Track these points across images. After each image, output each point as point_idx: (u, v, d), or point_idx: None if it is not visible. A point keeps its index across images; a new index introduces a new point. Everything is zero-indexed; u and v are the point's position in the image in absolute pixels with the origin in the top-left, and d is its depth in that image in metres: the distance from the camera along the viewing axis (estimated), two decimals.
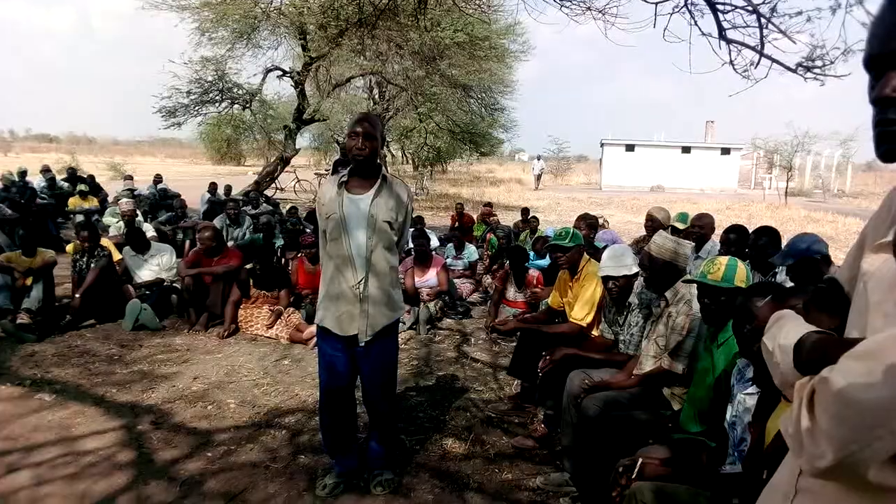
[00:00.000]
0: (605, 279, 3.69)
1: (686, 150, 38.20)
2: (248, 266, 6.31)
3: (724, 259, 2.67)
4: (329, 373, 3.17)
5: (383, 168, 3.17)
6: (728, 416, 2.31)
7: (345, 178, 3.06)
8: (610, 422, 2.94)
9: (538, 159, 34.47)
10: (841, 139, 32.94)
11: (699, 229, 5.32)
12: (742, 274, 2.63)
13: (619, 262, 3.64)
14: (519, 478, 3.52)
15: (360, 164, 3.03)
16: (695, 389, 2.76)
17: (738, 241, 4.48)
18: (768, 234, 4.22)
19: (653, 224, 5.92)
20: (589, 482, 3.02)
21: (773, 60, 3.47)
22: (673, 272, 3.13)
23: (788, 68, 3.44)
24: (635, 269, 3.64)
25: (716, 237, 5.69)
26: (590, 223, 7.04)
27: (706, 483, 2.24)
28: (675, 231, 5.73)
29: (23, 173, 13.30)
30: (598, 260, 4.33)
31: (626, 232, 12.52)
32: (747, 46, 3.67)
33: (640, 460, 2.31)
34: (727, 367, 2.55)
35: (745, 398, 2.20)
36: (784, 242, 3.95)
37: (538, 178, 33.60)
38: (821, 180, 37.34)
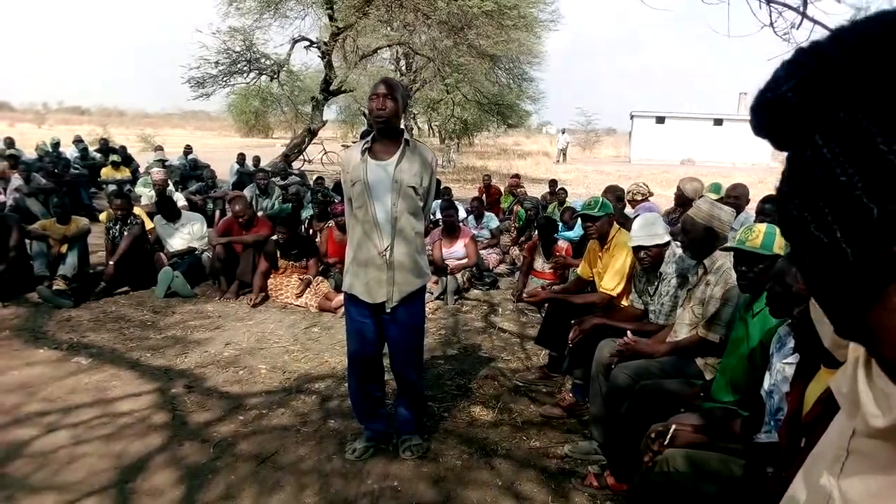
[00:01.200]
0: (637, 249, 3.63)
1: (718, 122, 37.51)
2: (273, 237, 6.35)
3: (763, 226, 2.61)
4: (357, 339, 3.20)
5: (406, 132, 3.14)
6: (766, 385, 2.27)
7: (368, 145, 3.04)
8: (640, 391, 2.91)
9: (562, 133, 33.76)
10: None
11: (734, 200, 5.21)
12: (781, 241, 2.57)
13: (650, 230, 3.58)
14: (546, 445, 3.53)
15: (382, 126, 3.00)
16: (728, 359, 2.72)
17: (774, 210, 4.38)
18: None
19: (682, 195, 5.83)
20: (618, 451, 3.01)
21: (816, 22, 3.34)
22: (712, 239, 3.06)
23: (831, 31, 3.30)
24: (667, 238, 3.58)
25: (750, 209, 5.60)
26: (618, 195, 6.94)
27: (739, 451, 2.22)
28: None
29: (56, 144, 13.51)
30: (628, 230, 4.28)
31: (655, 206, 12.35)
32: (789, 7, 3.54)
33: (673, 427, 2.29)
34: (763, 337, 2.51)
35: (784, 367, 2.16)
36: None
37: (563, 152, 32.95)
38: None
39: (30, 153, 13.00)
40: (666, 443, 2.27)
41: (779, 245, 2.57)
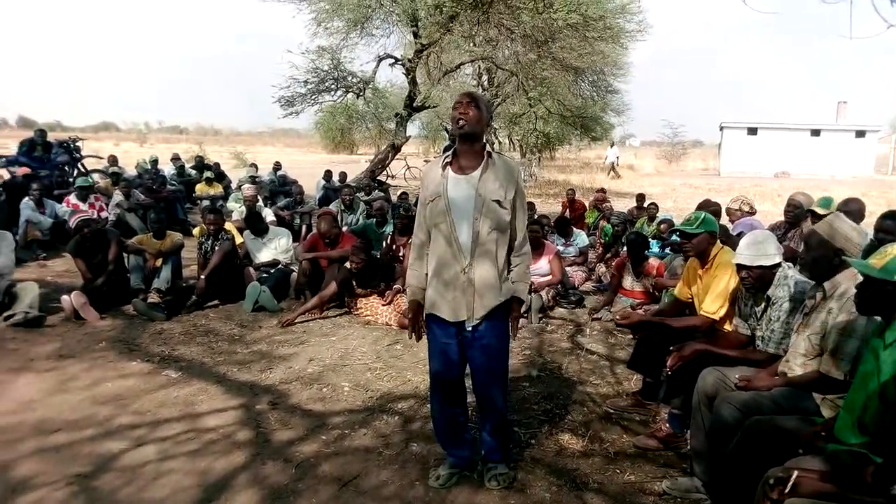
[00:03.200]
0: (739, 268, 3.35)
1: (815, 132, 35.67)
2: (347, 265, 6.29)
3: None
4: (439, 361, 3.07)
5: (488, 146, 3.00)
6: None
7: (449, 159, 2.94)
8: (751, 428, 2.65)
9: (611, 146, 32.38)
10: None
11: (845, 215, 4.79)
12: None
13: (758, 249, 3.27)
14: (642, 480, 3.29)
15: (464, 134, 2.87)
16: (855, 395, 2.42)
17: None
18: None
19: (795, 211, 5.43)
20: (725, 492, 2.75)
21: None
22: (836, 259, 2.77)
23: None
24: (777, 259, 3.28)
25: (867, 227, 5.15)
26: (713, 210, 6.59)
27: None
28: (815, 217, 5.22)
29: (154, 161, 14.19)
30: (733, 248, 3.99)
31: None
32: None
33: (795, 473, 2.04)
34: None
35: None
36: None
37: (613, 166, 31.43)
38: None
39: (131, 170, 13.71)
40: (787, 491, 2.03)
41: None
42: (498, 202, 2.87)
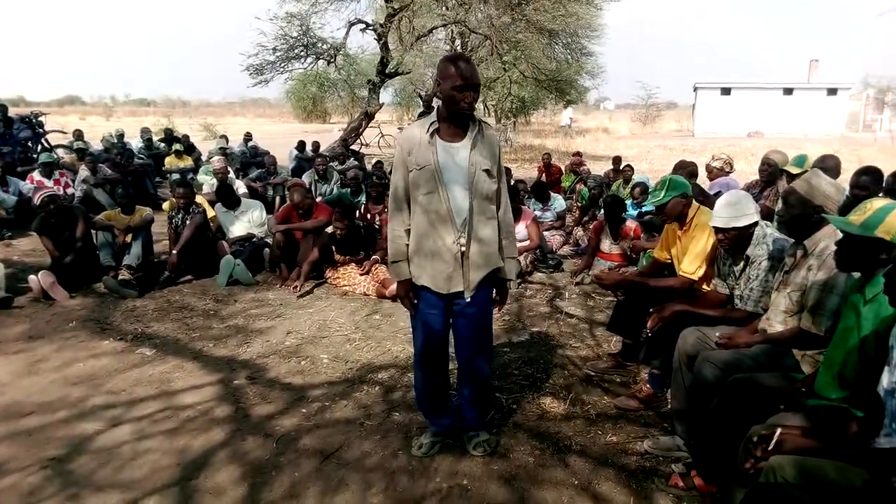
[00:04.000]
0: (716, 230, 3.32)
1: (788, 91, 35.85)
2: (329, 230, 6.21)
3: (880, 203, 2.28)
4: (425, 331, 3.00)
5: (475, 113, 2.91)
6: (885, 383, 1.99)
7: (437, 126, 2.82)
8: (732, 385, 2.65)
9: (565, 108, 32.34)
10: None
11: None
12: (890, 226, 2.21)
13: (733, 210, 3.23)
14: (624, 441, 3.30)
15: (469, 113, 2.80)
16: (835, 351, 2.42)
17: (872, 183, 3.98)
18: None
19: (770, 169, 5.41)
20: (706, 449, 2.76)
21: None
22: (815, 216, 2.74)
23: None
24: (754, 219, 3.25)
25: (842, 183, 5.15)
26: (690, 171, 6.56)
27: (856, 459, 1.95)
28: (789, 177, 5.21)
29: (121, 135, 13.83)
30: (711, 207, 3.97)
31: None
32: None
33: (779, 430, 2.03)
34: (878, 326, 2.21)
35: None
36: None
37: (568, 128, 31.57)
38: None
39: (97, 145, 13.36)
40: (770, 448, 2.02)
41: (886, 229, 2.23)
42: (487, 171, 2.83)
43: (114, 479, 2.95)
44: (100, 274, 6.08)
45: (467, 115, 2.83)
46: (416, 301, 2.96)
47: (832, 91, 35.61)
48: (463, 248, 2.82)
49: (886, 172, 4.53)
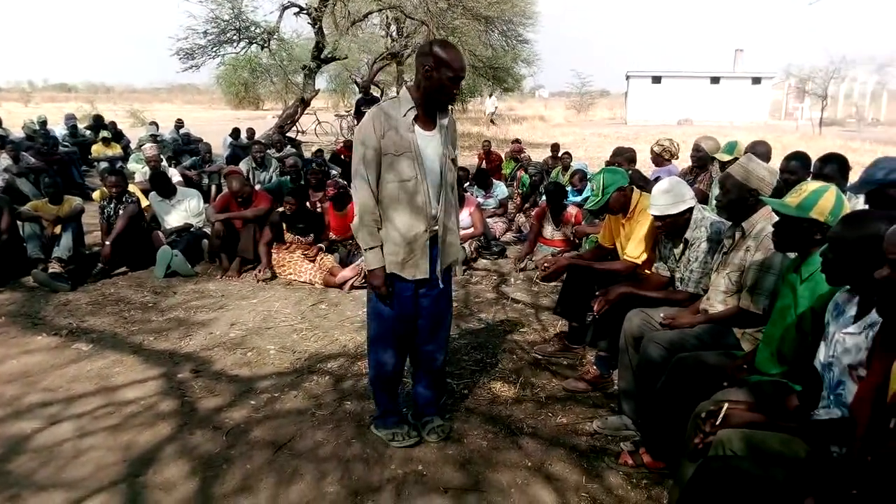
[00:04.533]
0: (654, 217, 3.43)
1: (715, 80, 37.10)
2: (279, 209, 6.15)
3: (813, 185, 2.40)
4: (400, 317, 2.98)
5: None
6: (821, 357, 2.10)
7: (415, 114, 2.78)
8: (678, 364, 2.75)
9: (490, 96, 32.69)
10: (877, 64, 31.73)
11: None
12: (825, 206, 2.33)
13: (670, 197, 3.34)
14: (574, 422, 3.39)
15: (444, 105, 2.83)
16: (773, 328, 2.54)
17: (801, 168, 4.16)
18: (835, 161, 3.91)
19: (700, 154, 5.60)
20: (654, 427, 2.86)
21: None
22: (751, 199, 2.86)
23: None
24: (690, 204, 3.37)
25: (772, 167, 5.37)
26: (628, 157, 6.70)
27: (798, 430, 2.06)
28: (721, 165, 5.40)
29: (43, 122, 13.18)
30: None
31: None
32: None
33: (726, 405, 2.13)
34: (814, 303, 2.33)
35: (845, 337, 1.98)
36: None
37: (492, 116, 31.83)
38: (855, 109, 36.19)
39: (17, 132, 12.68)
40: (718, 423, 2.11)
41: (819, 210, 2.35)
42: (453, 160, 2.93)
43: (56, 479, 2.84)
44: (28, 267, 5.81)
45: (445, 105, 2.86)
46: (390, 289, 2.90)
47: (756, 80, 37.03)
48: (436, 234, 2.89)
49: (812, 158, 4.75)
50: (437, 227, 2.88)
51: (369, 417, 3.36)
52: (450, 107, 2.98)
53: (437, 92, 2.71)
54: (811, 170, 4.14)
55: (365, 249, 2.87)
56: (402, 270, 2.88)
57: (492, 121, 30.62)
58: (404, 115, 2.76)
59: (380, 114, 2.78)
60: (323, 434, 3.25)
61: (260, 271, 5.92)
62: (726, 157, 5.37)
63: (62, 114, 15.04)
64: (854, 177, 3.79)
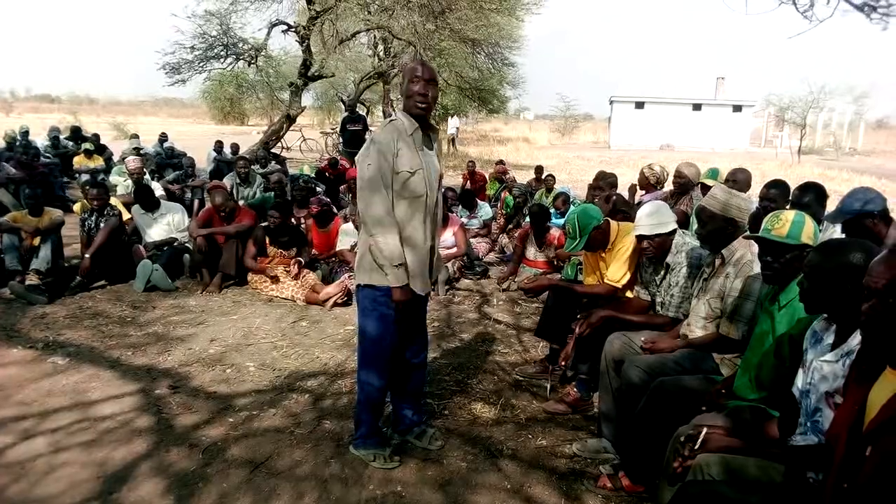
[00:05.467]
0: (640, 238, 3.45)
1: (697, 107, 37.62)
2: (263, 224, 6.13)
3: (791, 213, 2.46)
4: (395, 334, 3.02)
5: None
6: (799, 384, 2.13)
7: (420, 133, 2.88)
8: (657, 388, 2.76)
9: (451, 117, 31.90)
10: (855, 95, 32.42)
11: (732, 185, 5.05)
12: (809, 230, 2.42)
13: (654, 219, 3.39)
14: (554, 444, 3.39)
15: (422, 113, 2.85)
16: (751, 354, 2.57)
17: (780, 196, 4.24)
18: (814, 190, 3.99)
19: (682, 181, 5.67)
20: (633, 451, 2.86)
21: None
22: (730, 228, 2.91)
23: (855, 6, 3.15)
24: (672, 227, 3.42)
25: (752, 195, 5.44)
26: (610, 181, 6.78)
27: (775, 456, 2.08)
28: (704, 189, 5.48)
29: (25, 133, 13.06)
30: (630, 218, 4.11)
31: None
32: None
33: (705, 430, 2.14)
34: (791, 330, 2.36)
35: (823, 365, 2.01)
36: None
37: (453, 139, 30.80)
38: (832, 138, 36.85)
39: None
40: (697, 447, 2.12)
41: (807, 234, 2.42)
42: (441, 176, 3.03)
43: (29, 494, 2.79)
44: (5, 279, 5.72)
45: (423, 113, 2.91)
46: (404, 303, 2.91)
47: (737, 108, 37.64)
48: (434, 248, 3.02)
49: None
50: (431, 242, 2.99)
51: (348, 437, 3.34)
52: (448, 125, 3.13)
53: (411, 100, 2.80)
54: (790, 198, 4.21)
55: (391, 266, 2.79)
56: (420, 287, 2.96)
57: (452, 142, 29.71)
58: (411, 135, 2.83)
59: (395, 131, 2.82)
60: (301, 453, 3.22)
61: (266, 274, 5.94)
62: (710, 182, 5.43)
63: (45, 124, 14.92)
64: (832, 205, 3.87)
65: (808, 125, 30.27)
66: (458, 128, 31.84)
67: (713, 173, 5.54)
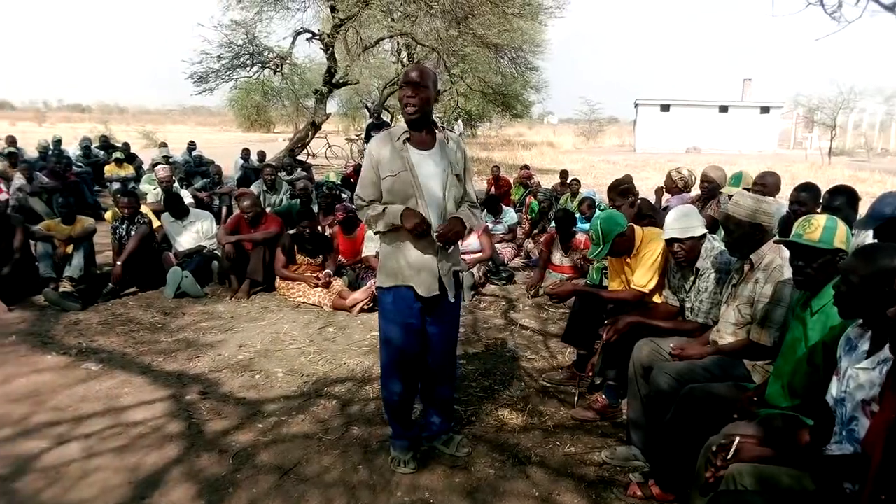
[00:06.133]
0: (670, 241, 3.42)
1: (723, 109, 37.23)
2: (291, 231, 6.19)
3: (822, 218, 2.42)
4: (404, 339, 3.01)
5: (438, 122, 3.00)
6: (834, 392, 2.09)
7: (408, 135, 2.88)
8: (687, 396, 2.73)
9: (456, 122, 31.54)
10: (886, 95, 31.85)
11: (761, 188, 4.98)
12: (842, 234, 2.38)
13: (685, 222, 3.37)
14: (582, 451, 3.36)
15: (415, 117, 2.85)
16: (783, 361, 2.53)
17: (811, 199, 4.16)
18: (845, 194, 3.92)
19: (709, 185, 5.60)
20: (663, 458, 2.83)
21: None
22: (758, 234, 2.87)
23: (885, 7, 3.10)
24: (702, 231, 3.38)
25: (782, 199, 5.36)
26: (623, 189, 6.50)
27: (808, 465, 2.04)
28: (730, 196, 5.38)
29: (58, 142, 13.33)
30: (656, 223, 4.08)
31: None
32: None
33: (738, 439, 2.11)
34: (825, 336, 2.33)
35: (858, 373, 1.98)
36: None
37: None
38: (863, 139, 36.23)
39: (32, 152, 12.83)
40: (730, 457, 2.10)
41: (840, 239, 2.38)
42: (458, 176, 2.94)
43: (62, 499, 2.84)
44: (39, 286, 5.85)
45: (430, 123, 2.94)
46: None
47: (765, 109, 37.16)
48: (437, 253, 2.89)
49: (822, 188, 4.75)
50: (436, 246, 2.91)
51: (376, 443, 3.36)
52: (454, 128, 3.08)
53: (402, 105, 2.87)
54: (821, 201, 4.15)
55: (386, 224, 2.87)
56: (414, 284, 2.93)
57: None
58: (398, 139, 2.87)
59: (381, 137, 2.95)
60: (329, 459, 3.24)
61: (321, 277, 5.95)
62: (734, 189, 5.34)
63: (76, 134, 15.23)
64: (863, 207, 3.80)
65: (838, 126, 29.79)
66: (461, 133, 31.92)
67: (736, 180, 5.44)
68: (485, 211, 8.41)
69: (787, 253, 2.61)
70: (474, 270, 6.44)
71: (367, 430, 3.53)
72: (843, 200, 3.91)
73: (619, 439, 3.48)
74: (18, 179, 9.36)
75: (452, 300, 2.99)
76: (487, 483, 3.04)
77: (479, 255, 6.63)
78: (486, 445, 3.40)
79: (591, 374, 3.83)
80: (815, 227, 2.40)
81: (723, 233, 3.09)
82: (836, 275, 2.22)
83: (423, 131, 2.91)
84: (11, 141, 12.72)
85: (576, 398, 3.98)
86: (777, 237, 2.89)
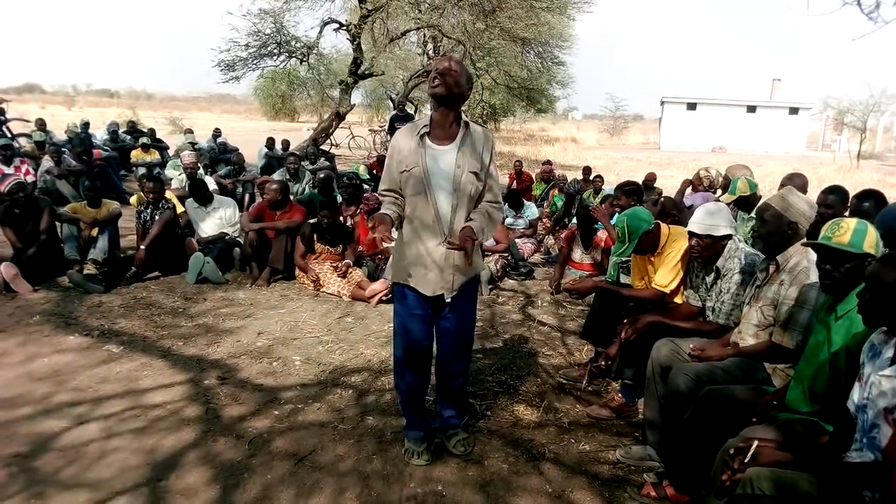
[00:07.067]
0: (691, 235, 3.38)
1: (751, 109, 36.74)
2: (312, 221, 6.22)
3: (852, 221, 2.37)
4: (411, 332, 3.00)
5: (464, 115, 2.94)
6: (856, 398, 2.05)
7: (427, 129, 2.84)
8: (706, 397, 2.70)
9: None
10: None
11: None
12: (872, 239, 2.33)
13: (710, 220, 3.31)
14: (597, 449, 3.35)
15: (441, 93, 2.77)
16: (805, 366, 2.49)
17: (839, 203, 4.09)
18: (874, 198, 3.84)
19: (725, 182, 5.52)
20: (679, 459, 2.81)
21: None
22: (790, 232, 2.83)
23: None
24: (725, 232, 3.33)
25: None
26: (631, 189, 6.25)
27: (827, 472, 2.01)
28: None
29: (85, 125, 13.50)
30: (682, 221, 4.04)
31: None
32: None
33: (756, 443, 2.09)
34: (848, 342, 2.28)
35: (881, 380, 1.94)
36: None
37: None
38: (894, 143, 35.58)
39: (61, 135, 13.01)
40: (747, 460, 2.07)
41: (869, 243, 2.33)
42: (475, 174, 2.84)
43: (81, 478, 2.88)
44: (64, 268, 5.94)
45: (456, 116, 2.87)
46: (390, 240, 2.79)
47: (794, 110, 36.60)
48: (446, 252, 2.84)
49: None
50: (446, 244, 2.84)
51: (391, 434, 3.37)
52: (479, 120, 3.02)
53: (429, 89, 2.84)
54: (849, 205, 4.07)
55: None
56: (416, 284, 2.91)
57: None
58: (418, 132, 2.83)
59: (405, 130, 2.92)
60: (344, 448, 3.25)
61: (308, 277, 6.03)
62: (731, 199, 5.14)
63: (105, 118, 15.43)
64: None
65: (868, 129, 29.25)
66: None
67: (752, 186, 5.24)
68: (506, 205, 8.38)
69: (813, 256, 2.57)
70: (491, 264, 6.42)
71: (382, 421, 3.54)
72: (871, 204, 3.84)
73: (634, 438, 3.46)
74: (47, 162, 9.51)
75: (449, 300, 2.93)
76: (500, 478, 3.04)
77: (496, 246, 6.61)
78: (501, 440, 3.39)
79: (603, 364, 3.78)
80: (845, 230, 2.35)
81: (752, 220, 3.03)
82: (863, 280, 2.17)
83: (448, 121, 2.84)
84: (41, 124, 12.90)
85: (583, 386, 3.97)
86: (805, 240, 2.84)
